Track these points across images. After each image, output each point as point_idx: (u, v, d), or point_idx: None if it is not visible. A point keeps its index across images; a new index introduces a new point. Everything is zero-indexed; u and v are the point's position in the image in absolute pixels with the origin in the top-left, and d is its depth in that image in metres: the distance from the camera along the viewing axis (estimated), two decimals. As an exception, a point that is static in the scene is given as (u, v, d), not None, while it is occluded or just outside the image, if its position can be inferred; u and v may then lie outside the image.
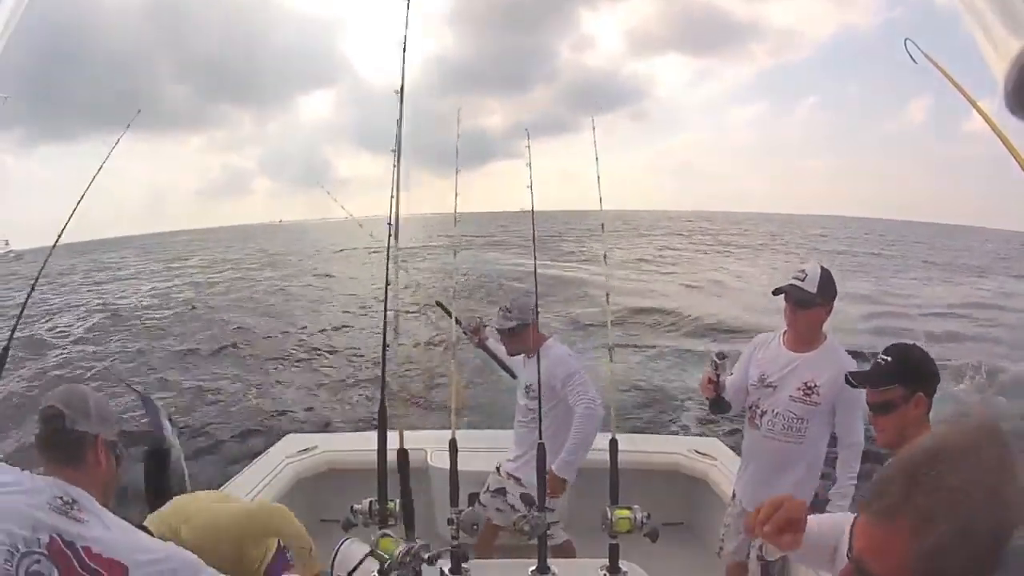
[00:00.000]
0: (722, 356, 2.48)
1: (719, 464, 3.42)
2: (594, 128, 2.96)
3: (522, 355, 2.98)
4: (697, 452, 3.55)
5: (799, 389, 2.35)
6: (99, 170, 2.69)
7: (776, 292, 2.41)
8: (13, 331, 2.53)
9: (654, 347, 11.04)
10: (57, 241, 2.71)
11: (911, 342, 1.88)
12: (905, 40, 1.49)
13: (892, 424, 1.69)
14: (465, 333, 3.25)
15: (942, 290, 20.13)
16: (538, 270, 3.00)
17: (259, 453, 3.64)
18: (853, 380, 1.89)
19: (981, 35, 0.86)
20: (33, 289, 2.71)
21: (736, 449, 3.61)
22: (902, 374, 1.71)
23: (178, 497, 2.14)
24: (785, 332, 2.47)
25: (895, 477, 0.68)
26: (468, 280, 16.56)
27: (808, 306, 2.33)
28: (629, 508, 2.07)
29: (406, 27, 2.06)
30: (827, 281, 2.33)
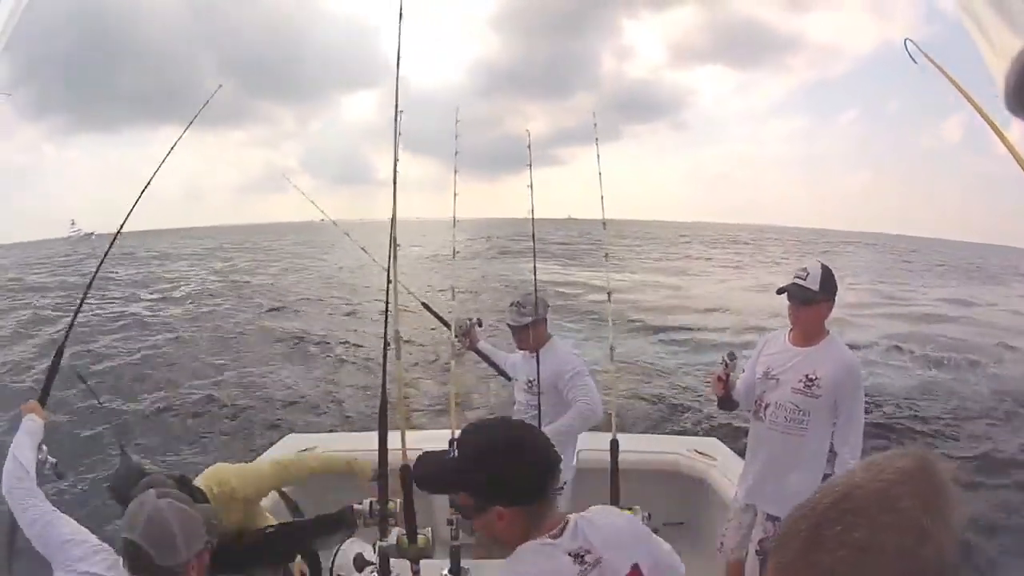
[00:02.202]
0: (733, 356, 2.55)
1: (719, 464, 3.42)
2: (597, 141, 2.97)
3: (521, 352, 2.96)
4: (697, 452, 3.55)
5: (800, 381, 2.42)
6: (164, 159, 2.70)
7: (780, 291, 2.46)
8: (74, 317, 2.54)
9: (657, 346, 11.05)
10: (120, 229, 2.73)
11: (501, 425, 1.35)
12: (905, 40, 1.49)
13: (482, 526, 1.26)
14: (456, 337, 3.19)
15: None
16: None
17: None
18: (414, 478, 1.43)
19: (980, 36, 0.86)
20: (95, 276, 2.73)
21: (736, 449, 3.62)
22: (467, 481, 1.23)
23: (212, 466, 2.24)
24: (791, 330, 2.54)
25: (797, 529, 0.60)
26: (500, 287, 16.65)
27: (810, 303, 2.40)
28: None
29: (399, 48, 2.09)
30: (828, 278, 2.40)
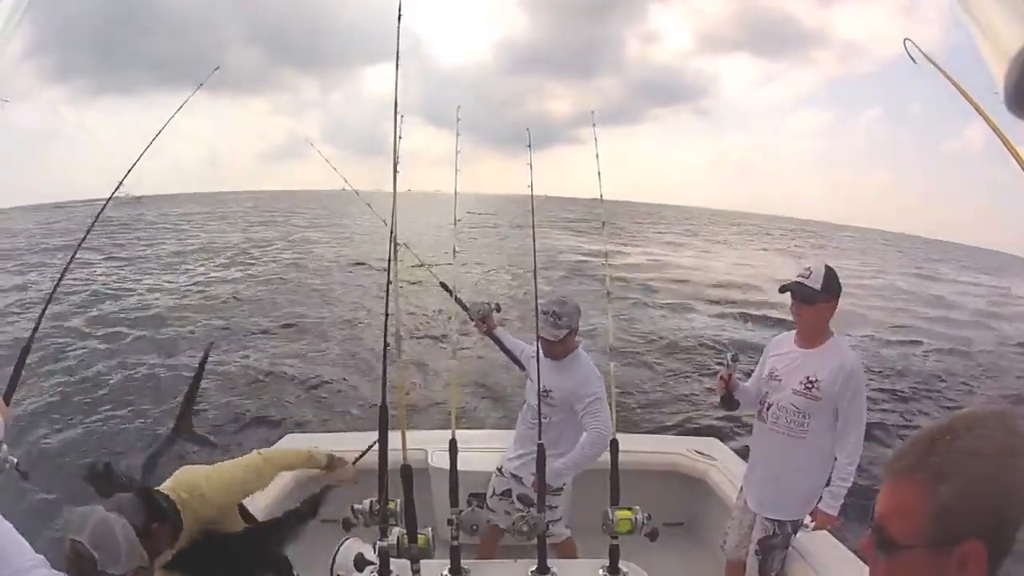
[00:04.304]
0: (736, 358, 2.56)
1: (719, 464, 3.43)
2: (596, 141, 2.97)
3: (542, 354, 2.79)
4: (697, 452, 3.55)
5: (801, 383, 2.41)
6: (166, 124, 2.70)
7: (782, 290, 2.46)
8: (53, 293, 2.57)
9: (657, 349, 11.06)
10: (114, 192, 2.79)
11: None
12: (905, 40, 1.49)
13: None
14: (472, 319, 3.13)
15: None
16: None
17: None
18: None
19: (980, 36, 0.86)
20: (81, 243, 2.74)
21: (736, 449, 3.62)
22: None
23: (182, 469, 2.16)
24: (796, 331, 2.53)
25: (915, 442, 0.76)
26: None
27: (812, 302, 2.39)
28: (630, 509, 2.07)
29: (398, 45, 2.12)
30: (831, 278, 2.39)
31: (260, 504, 2.71)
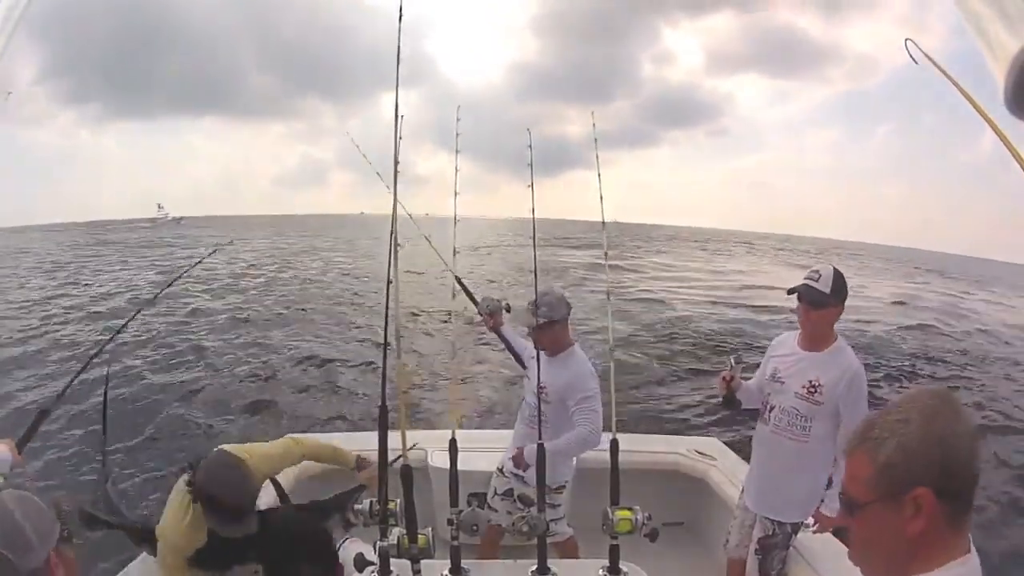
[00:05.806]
0: (739, 360, 2.57)
1: (719, 464, 3.43)
2: (599, 170, 2.97)
3: (539, 352, 2.77)
4: (697, 452, 3.56)
5: (804, 387, 2.40)
6: None
7: (790, 292, 2.43)
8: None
9: (658, 347, 11.06)
10: None
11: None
12: (906, 40, 1.49)
13: None
14: (480, 314, 3.15)
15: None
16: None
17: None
18: None
19: (979, 37, 0.86)
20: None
21: (736, 449, 3.63)
22: None
23: (221, 447, 2.30)
24: (800, 333, 2.51)
25: (860, 425, 0.91)
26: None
27: (821, 306, 2.36)
28: (630, 509, 2.07)
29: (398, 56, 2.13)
30: (840, 282, 2.36)
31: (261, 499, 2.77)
